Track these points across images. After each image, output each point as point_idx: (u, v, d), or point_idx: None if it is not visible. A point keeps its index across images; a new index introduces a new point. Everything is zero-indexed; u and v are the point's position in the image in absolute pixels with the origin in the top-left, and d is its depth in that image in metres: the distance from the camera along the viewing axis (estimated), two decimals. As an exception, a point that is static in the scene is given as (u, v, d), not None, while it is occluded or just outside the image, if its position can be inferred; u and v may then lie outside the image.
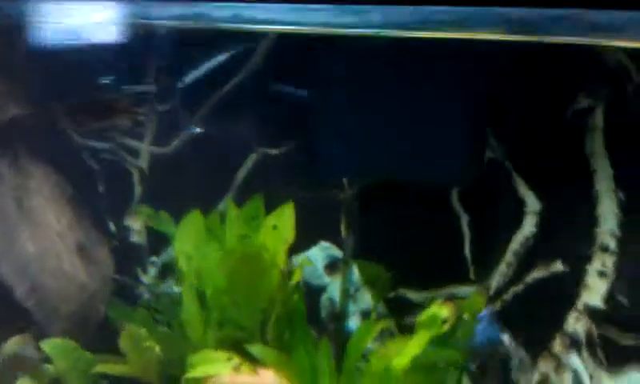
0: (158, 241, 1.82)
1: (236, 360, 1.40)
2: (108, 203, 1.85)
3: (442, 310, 1.35)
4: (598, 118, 1.45)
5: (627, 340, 1.42)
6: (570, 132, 1.49)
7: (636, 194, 1.42)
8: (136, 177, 1.87)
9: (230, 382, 1.40)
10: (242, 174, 1.81)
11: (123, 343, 1.47)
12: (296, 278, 1.51)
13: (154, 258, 1.86)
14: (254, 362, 1.42)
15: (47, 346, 1.49)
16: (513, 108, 1.55)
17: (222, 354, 1.43)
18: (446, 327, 1.34)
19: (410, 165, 1.63)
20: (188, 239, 1.63)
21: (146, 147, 1.85)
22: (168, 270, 1.83)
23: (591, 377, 1.47)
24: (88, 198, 1.74)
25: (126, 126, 1.79)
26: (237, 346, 1.50)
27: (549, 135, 1.51)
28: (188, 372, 1.43)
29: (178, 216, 1.65)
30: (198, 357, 1.46)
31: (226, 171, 1.80)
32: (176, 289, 1.77)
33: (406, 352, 1.31)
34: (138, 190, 1.85)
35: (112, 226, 1.83)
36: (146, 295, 1.81)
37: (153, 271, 1.84)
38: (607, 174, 1.45)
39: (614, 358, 1.45)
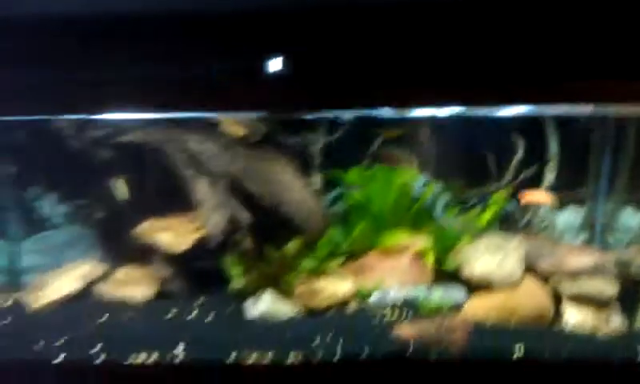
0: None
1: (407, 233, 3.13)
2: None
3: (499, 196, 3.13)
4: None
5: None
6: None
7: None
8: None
9: (404, 244, 3.13)
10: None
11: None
12: (425, 195, 3.23)
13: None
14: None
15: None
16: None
17: (399, 232, 3.15)
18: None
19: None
20: (356, 181, 3.29)
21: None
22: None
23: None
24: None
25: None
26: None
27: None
28: (381, 241, 3.13)
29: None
30: (384, 234, 3.17)
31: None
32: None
33: (485, 216, 3.10)
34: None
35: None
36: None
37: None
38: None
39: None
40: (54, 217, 3.32)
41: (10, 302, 3.05)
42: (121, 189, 2.97)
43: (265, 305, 2.81)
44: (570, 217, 3.30)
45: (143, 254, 3.02)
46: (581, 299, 2.73)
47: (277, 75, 2.53)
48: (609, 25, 2.46)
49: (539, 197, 2.95)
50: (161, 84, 2.36)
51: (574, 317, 2.71)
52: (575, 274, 2.77)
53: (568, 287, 2.77)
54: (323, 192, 3.37)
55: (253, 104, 2.45)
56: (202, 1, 2.51)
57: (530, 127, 3.25)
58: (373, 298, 2.91)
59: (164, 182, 3.00)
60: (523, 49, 2.55)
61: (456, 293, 2.88)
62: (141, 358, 2.57)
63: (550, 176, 3.27)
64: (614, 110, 2.90)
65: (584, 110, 2.84)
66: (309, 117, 3.23)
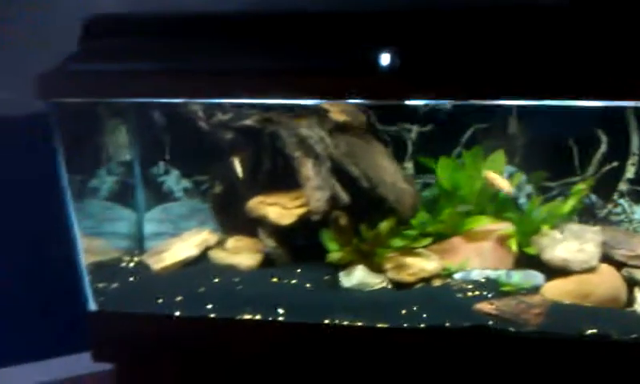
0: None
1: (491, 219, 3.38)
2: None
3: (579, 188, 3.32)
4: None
5: None
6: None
7: None
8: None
9: (488, 229, 3.36)
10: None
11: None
12: (512, 185, 3.44)
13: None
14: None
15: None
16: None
17: (484, 217, 3.40)
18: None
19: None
20: (446, 169, 3.55)
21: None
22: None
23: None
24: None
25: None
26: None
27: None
28: (467, 225, 3.39)
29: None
30: (470, 219, 3.43)
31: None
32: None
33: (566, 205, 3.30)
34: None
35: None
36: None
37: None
38: None
39: None
40: (176, 191, 3.77)
41: (135, 264, 3.52)
42: (237, 168, 3.36)
43: (358, 276, 3.14)
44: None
45: (253, 226, 3.39)
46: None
47: (382, 67, 2.83)
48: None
49: (500, 182, 3.09)
50: (278, 75, 2.70)
51: (647, 302, 2.88)
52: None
53: (641, 274, 2.94)
54: (415, 177, 3.64)
55: (359, 93, 2.72)
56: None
57: (614, 120, 3.38)
58: (456, 276, 3.18)
59: (275, 162, 3.37)
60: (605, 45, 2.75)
61: (535, 276, 3.10)
62: (247, 316, 2.96)
63: (631, 169, 3.40)
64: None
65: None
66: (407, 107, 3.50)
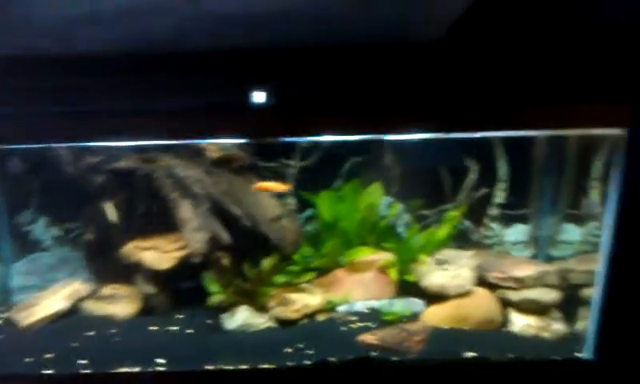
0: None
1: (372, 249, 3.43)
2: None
3: (454, 214, 3.44)
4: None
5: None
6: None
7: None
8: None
9: (369, 260, 3.41)
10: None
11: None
12: (391, 215, 3.52)
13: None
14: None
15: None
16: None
17: (365, 248, 3.45)
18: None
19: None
20: (326, 202, 3.58)
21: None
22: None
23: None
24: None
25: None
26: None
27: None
28: (349, 257, 3.42)
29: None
30: (351, 251, 3.46)
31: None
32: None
33: (441, 232, 3.41)
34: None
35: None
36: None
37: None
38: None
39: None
40: (45, 240, 3.55)
41: (1, 321, 3.26)
42: (109, 212, 3.21)
43: (241, 317, 3.07)
44: (517, 232, 3.63)
45: (129, 273, 3.25)
46: (525, 306, 3.03)
47: (258, 106, 2.81)
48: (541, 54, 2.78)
49: (273, 186, 3.19)
50: (151, 115, 2.61)
51: (520, 322, 3.00)
52: (520, 284, 3.08)
53: (514, 295, 3.07)
54: (297, 212, 3.64)
55: (236, 132, 2.69)
56: (193, 39, 2.77)
57: (481, 150, 3.56)
58: (340, 309, 3.18)
59: (150, 204, 3.25)
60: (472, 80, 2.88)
61: (416, 303, 3.16)
62: (124, 369, 2.79)
63: (500, 194, 3.58)
64: (555, 132, 3.20)
65: (529, 133, 3.15)
66: (285, 143, 3.50)
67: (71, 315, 3.24)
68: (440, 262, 3.24)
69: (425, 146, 3.36)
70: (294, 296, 3.17)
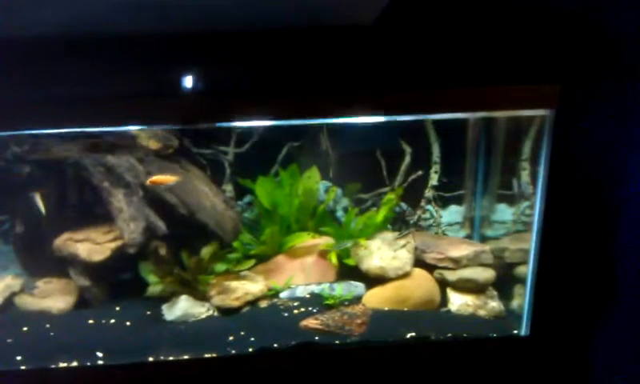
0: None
1: (311, 234, 3.43)
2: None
3: (391, 197, 3.49)
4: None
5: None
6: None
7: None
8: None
9: (309, 245, 3.42)
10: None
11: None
12: (328, 199, 3.53)
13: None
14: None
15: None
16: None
17: (304, 234, 3.45)
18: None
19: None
20: (264, 188, 3.56)
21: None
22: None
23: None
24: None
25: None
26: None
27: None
28: (289, 243, 3.41)
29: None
30: (291, 237, 3.45)
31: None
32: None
33: (379, 215, 3.45)
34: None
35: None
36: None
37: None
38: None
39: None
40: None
41: None
42: (39, 204, 3.08)
43: (181, 307, 3.02)
44: (452, 214, 3.72)
45: (62, 266, 3.13)
46: (462, 285, 3.12)
47: (190, 90, 2.75)
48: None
49: (165, 178, 3.20)
50: (80, 101, 2.51)
51: (458, 301, 3.08)
52: (457, 264, 3.16)
53: (451, 275, 3.15)
54: (236, 199, 3.60)
55: (168, 117, 2.63)
56: (127, 22, 2.68)
57: (416, 133, 3.61)
58: (282, 295, 3.18)
59: (81, 195, 3.14)
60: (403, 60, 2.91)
61: (356, 286, 3.20)
62: (62, 364, 2.70)
63: (434, 177, 3.65)
64: (485, 114, 3.28)
65: (461, 115, 3.21)
66: (220, 128, 3.45)
67: (4, 311, 3.12)
68: (379, 245, 3.28)
69: (361, 129, 3.38)
70: (234, 284, 3.14)
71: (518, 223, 3.53)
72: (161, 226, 3.10)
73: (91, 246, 3.09)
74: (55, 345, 2.80)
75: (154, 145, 3.20)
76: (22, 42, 2.80)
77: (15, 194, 3.17)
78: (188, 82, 2.77)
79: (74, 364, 2.71)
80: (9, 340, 2.84)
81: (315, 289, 3.21)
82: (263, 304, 3.12)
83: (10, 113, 2.52)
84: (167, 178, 3.09)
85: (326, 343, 2.81)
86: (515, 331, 2.92)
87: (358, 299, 3.14)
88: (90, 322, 2.99)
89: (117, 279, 3.25)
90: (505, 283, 3.17)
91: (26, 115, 2.53)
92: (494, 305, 3.08)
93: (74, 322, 3.00)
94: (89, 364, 2.73)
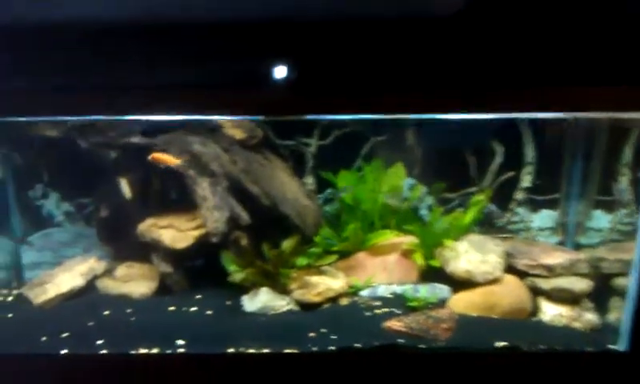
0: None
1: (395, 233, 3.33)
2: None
3: (480, 198, 3.34)
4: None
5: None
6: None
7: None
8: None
9: (392, 243, 3.31)
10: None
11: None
12: (413, 197, 3.42)
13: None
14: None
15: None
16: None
17: (388, 232, 3.34)
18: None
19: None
20: (347, 182, 3.47)
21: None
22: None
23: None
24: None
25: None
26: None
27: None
28: (371, 240, 3.32)
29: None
30: (374, 234, 3.36)
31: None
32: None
33: (467, 216, 3.30)
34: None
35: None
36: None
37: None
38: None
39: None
40: (57, 215, 3.43)
41: (12, 298, 3.17)
42: (124, 189, 3.10)
43: (262, 299, 2.97)
44: (544, 218, 3.53)
45: (145, 251, 3.14)
46: (556, 295, 2.94)
47: (277, 81, 2.69)
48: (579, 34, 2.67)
49: (167, 157, 3.04)
50: (168, 90, 2.49)
51: (551, 311, 2.91)
52: (551, 272, 2.99)
53: (544, 283, 2.98)
54: (317, 192, 3.53)
55: (254, 108, 2.58)
56: (211, 10, 2.64)
57: (509, 132, 3.45)
58: (363, 293, 3.09)
59: (168, 181, 3.14)
60: (499, 57, 2.76)
61: (441, 289, 3.07)
62: (142, 350, 2.69)
63: (527, 178, 3.48)
64: (587, 115, 3.10)
65: (558, 115, 3.04)
66: (305, 120, 3.39)
67: (86, 293, 3.15)
68: (467, 247, 3.14)
69: (450, 126, 3.25)
70: (315, 279, 3.07)
71: (614, 231, 3.33)
72: (244, 216, 3.06)
73: (175, 232, 3.08)
74: (136, 330, 2.80)
75: (239, 135, 3.17)
76: (117, 29, 2.80)
77: (101, 179, 3.19)
78: (274, 73, 2.70)
79: (155, 350, 2.69)
80: (90, 323, 2.85)
81: (397, 289, 3.11)
82: (344, 301, 3.04)
83: (110, 98, 2.51)
84: (169, 159, 3.02)
85: (411, 347, 2.70)
86: (613, 347, 2.73)
87: (442, 303, 3.01)
88: (171, 308, 2.97)
89: (198, 267, 3.22)
90: (601, 295, 2.97)
91: (118, 101, 2.52)
92: (590, 317, 2.89)
93: (154, 308, 2.99)
94: (169, 351, 2.70)
